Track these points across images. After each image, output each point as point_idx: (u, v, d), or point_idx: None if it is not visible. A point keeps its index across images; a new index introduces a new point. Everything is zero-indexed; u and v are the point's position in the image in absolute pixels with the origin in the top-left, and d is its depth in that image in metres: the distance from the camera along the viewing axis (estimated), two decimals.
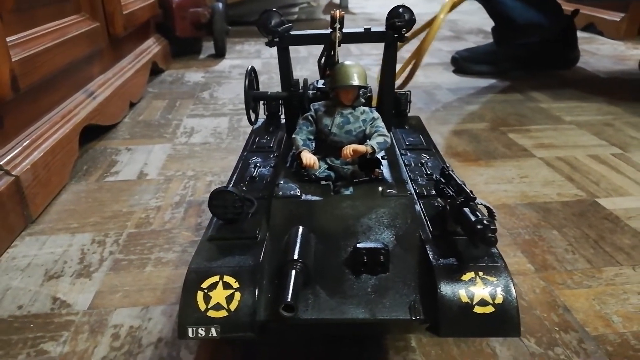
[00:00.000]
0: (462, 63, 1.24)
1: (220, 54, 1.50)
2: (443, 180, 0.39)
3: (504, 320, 0.31)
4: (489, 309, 0.31)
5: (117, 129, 0.91)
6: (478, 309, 0.31)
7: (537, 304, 0.43)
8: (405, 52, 0.88)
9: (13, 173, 0.56)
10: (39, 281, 0.48)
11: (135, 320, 0.42)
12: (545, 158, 0.72)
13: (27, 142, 0.61)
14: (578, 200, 0.60)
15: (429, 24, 0.88)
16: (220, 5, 1.47)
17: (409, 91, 0.60)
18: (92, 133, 0.82)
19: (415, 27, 1.00)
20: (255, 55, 1.51)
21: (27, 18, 0.66)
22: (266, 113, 0.60)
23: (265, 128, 0.58)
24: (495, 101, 1.01)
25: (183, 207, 0.61)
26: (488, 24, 1.26)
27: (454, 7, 0.85)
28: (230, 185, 0.44)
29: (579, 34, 1.61)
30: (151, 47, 1.28)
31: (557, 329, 0.40)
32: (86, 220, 0.59)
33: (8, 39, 0.58)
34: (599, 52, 1.43)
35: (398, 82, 0.79)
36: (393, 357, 0.38)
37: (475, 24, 1.98)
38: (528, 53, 1.21)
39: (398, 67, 0.99)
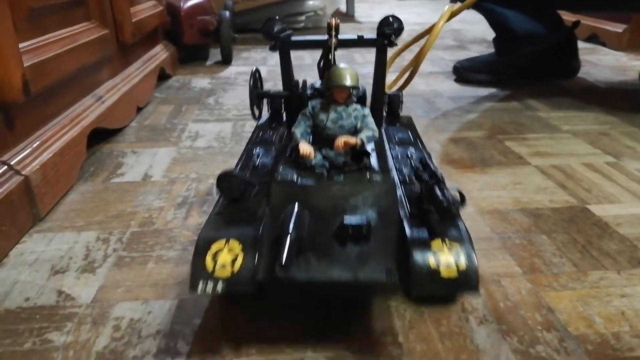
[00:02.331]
0: (464, 72, 1.26)
1: (226, 60, 1.53)
2: (421, 168, 0.45)
3: (465, 282, 0.36)
4: (453, 273, 0.36)
5: (124, 132, 0.93)
6: (444, 273, 0.36)
7: (522, 305, 0.45)
8: (404, 59, 0.91)
9: (23, 173, 0.58)
10: (45, 275, 0.50)
11: (135, 313, 0.44)
12: (540, 166, 0.74)
13: (37, 143, 0.64)
14: (569, 206, 0.62)
15: (429, 30, 0.90)
16: (227, 13, 1.50)
17: (401, 92, 0.64)
18: (99, 136, 0.85)
19: (416, 34, 1.02)
20: (261, 63, 1.53)
21: (39, 25, 0.68)
22: (270, 110, 0.63)
23: (268, 124, 0.62)
24: (494, 110, 1.02)
25: (185, 207, 0.64)
26: (490, 33, 1.28)
27: (452, 15, 0.88)
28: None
29: (582, 44, 1.62)
30: (159, 53, 1.31)
31: (539, 328, 0.42)
32: (92, 219, 0.61)
33: (21, 45, 0.61)
34: (601, 63, 1.44)
35: (399, 83, 0.82)
36: (381, 351, 0.40)
37: (478, 34, 2.00)
38: (528, 63, 1.22)
39: (396, 73, 1.01)
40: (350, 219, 0.39)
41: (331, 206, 0.41)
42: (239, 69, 1.46)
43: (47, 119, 0.69)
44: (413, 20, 2.42)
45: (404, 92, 0.73)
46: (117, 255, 0.53)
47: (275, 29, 0.51)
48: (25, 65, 0.60)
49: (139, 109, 1.05)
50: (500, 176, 0.71)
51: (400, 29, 0.50)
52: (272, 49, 0.51)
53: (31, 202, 0.60)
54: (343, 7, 2.66)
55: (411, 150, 0.53)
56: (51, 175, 0.64)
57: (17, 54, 0.59)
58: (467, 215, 0.60)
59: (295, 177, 0.43)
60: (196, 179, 0.72)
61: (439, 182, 0.40)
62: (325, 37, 0.50)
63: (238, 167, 0.50)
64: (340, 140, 0.43)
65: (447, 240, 0.37)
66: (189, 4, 1.47)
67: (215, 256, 0.37)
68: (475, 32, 2.05)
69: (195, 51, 1.57)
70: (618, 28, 1.59)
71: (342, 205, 0.41)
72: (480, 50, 1.67)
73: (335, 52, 0.49)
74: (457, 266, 0.36)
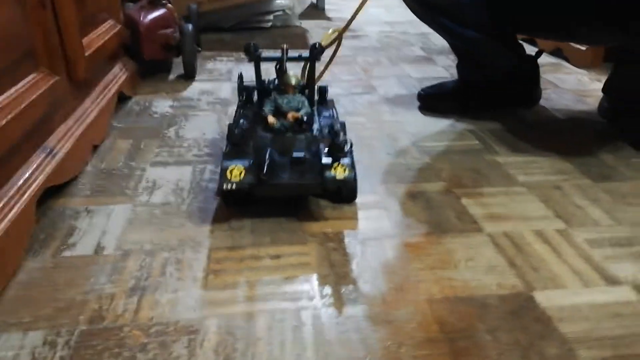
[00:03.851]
0: (428, 100, 1.26)
1: (190, 76, 1.48)
2: (332, 129, 0.78)
3: (348, 183, 0.75)
4: (343, 177, 0.74)
5: (79, 179, 0.91)
6: (339, 178, 0.74)
7: None
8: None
9: None
10: None
11: None
12: (493, 234, 0.76)
13: None
14: (516, 293, 0.64)
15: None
16: (190, 26, 1.45)
17: (327, 85, 1.02)
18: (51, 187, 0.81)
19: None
20: (226, 78, 1.50)
21: None
22: (243, 98, 1.00)
23: (243, 105, 0.99)
24: (454, 151, 1.03)
25: (137, 294, 0.63)
26: None
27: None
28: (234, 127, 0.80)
29: (546, 59, 1.63)
30: (117, 75, 1.26)
31: None
32: (39, 312, 0.60)
33: None
34: (562, 85, 1.46)
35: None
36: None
37: (446, 43, 1.98)
38: (492, 92, 1.23)
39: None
40: (296, 154, 0.75)
41: (286, 147, 0.77)
42: (203, 86, 1.42)
43: None
44: (383, 19, 2.39)
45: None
46: None
47: (252, 48, 0.89)
48: None
49: (95, 147, 1.02)
50: (453, 248, 0.72)
51: (322, 51, 0.90)
52: (250, 61, 0.91)
53: None
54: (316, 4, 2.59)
55: (329, 121, 0.89)
56: None
57: None
58: (417, 306, 0.61)
59: (267, 134, 0.78)
60: (150, 253, 0.71)
61: (338, 135, 0.76)
62: (279, 54, 0.87)
63: (233, 126, 0.81)
64: (290, 114, 0.78)
65: (340, 164, 0.74)
66: (150, 17, 1.41)
67: (230, 172, 0.73)
68: (443, 41, 2.03)
69: (157, 64, 1.51)
70: (582, 46, 1.61)
71: (291, 147, 0.77)
72: (447, 63, 1.67)
73: (286, 63, 0.87)
74: (345, 176, 0.74)
